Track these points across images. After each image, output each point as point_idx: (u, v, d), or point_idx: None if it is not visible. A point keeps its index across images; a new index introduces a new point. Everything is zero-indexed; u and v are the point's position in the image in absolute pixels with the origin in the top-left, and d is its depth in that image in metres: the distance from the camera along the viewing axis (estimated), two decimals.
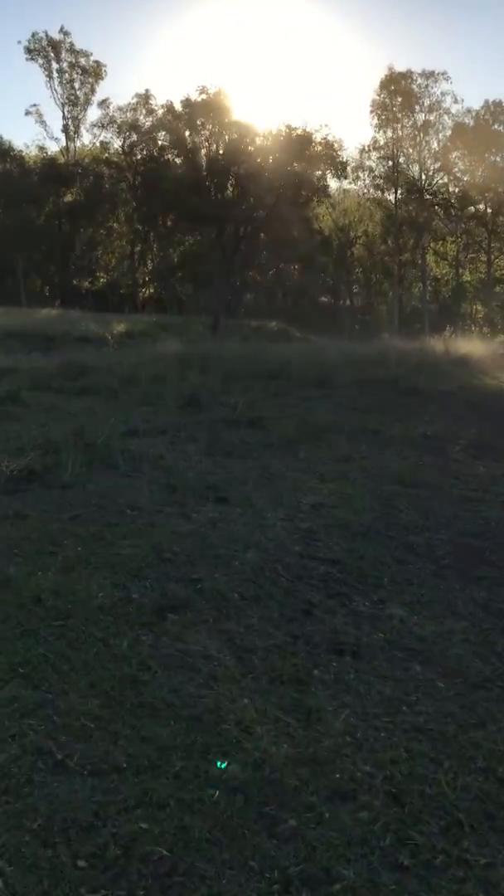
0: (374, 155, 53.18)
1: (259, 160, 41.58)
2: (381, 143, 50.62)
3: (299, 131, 37.38)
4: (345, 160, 40.83)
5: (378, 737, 2.88)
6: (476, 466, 7.94)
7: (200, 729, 2.86)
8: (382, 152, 52.31)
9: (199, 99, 46.27)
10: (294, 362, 15.58)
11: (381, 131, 52.55)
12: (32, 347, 21.56)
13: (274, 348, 19.79)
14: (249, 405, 10.32)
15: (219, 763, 2.64)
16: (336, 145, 38.75)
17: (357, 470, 7.51)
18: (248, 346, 19.94)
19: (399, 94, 49.60)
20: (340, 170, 39.98)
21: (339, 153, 39.26)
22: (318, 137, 37.77)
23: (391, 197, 54.99)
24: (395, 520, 5.83)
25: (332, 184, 41.14)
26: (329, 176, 38.87)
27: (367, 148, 52.81)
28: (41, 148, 58.58)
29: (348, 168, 44.29)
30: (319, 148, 37.98)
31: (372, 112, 49.10)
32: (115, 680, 3.22)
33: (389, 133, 51.36)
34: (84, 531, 5.14)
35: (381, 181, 54.09)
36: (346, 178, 42.64)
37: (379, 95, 49.11)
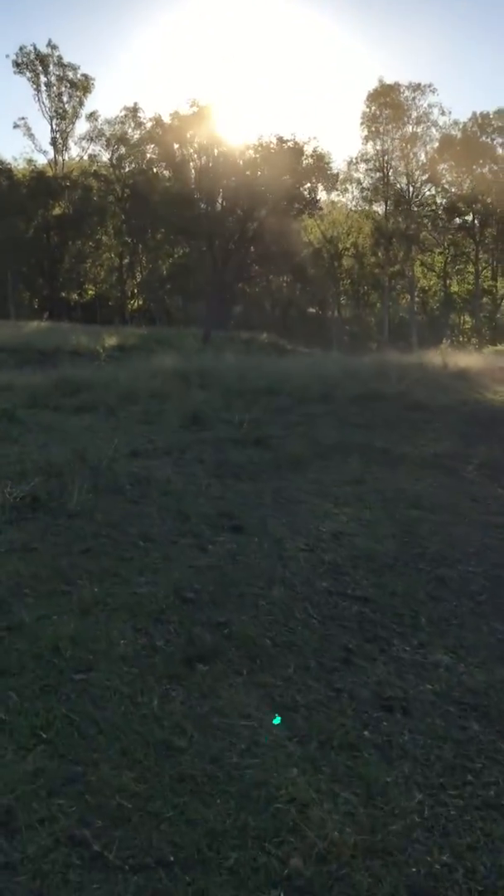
0: (363, 167, 53.40)
1: (248, 173, 41.47)
2: (371, 154, 50.76)
3: (290, 143, 37.29)
4: (336, 172, 40.87)
5: (449, 815, 2.59)
6: (493, 488, 7.70)
7: (251, 809, 2.56)
8: (371, 164, 52.50)
9: (188, 112, 46.19)
10: (293, 376, 15.31)
11: (368, 143, 52.77)
12: (24, 362, 21.21)
13: (270, 362, 19.55)
14: (254, 423, 10.05)
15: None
16: (326, 157, 38.82)
17: (371, 492, 7.24)
18: (244, 359, 19.66)
19: (389, 107, 49.77)
20: (332, 182, 39.95)
21: (329, 165, 39.27)
22: (308, 150, 37.77)
23: (379, 209, 55.17)
24: (421, 549, 5.55)
25: (322, 195, 41.10)
26: (321, 188, 38.80)
27: (355, 160, 53.03)
28: (29, 161, 58.48)
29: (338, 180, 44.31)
30: (310, 160, 37.93)
31: (362, 124, 49.25)
32: (148, 746, 2.91)
33: (378, 145, 51.57)
34: (96, 566, 4.82)
35: (369, 193, 54.25)
36: (336, 190, 42.68)
37: (369, 108, 49.27)
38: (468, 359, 19.55)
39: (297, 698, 3.34)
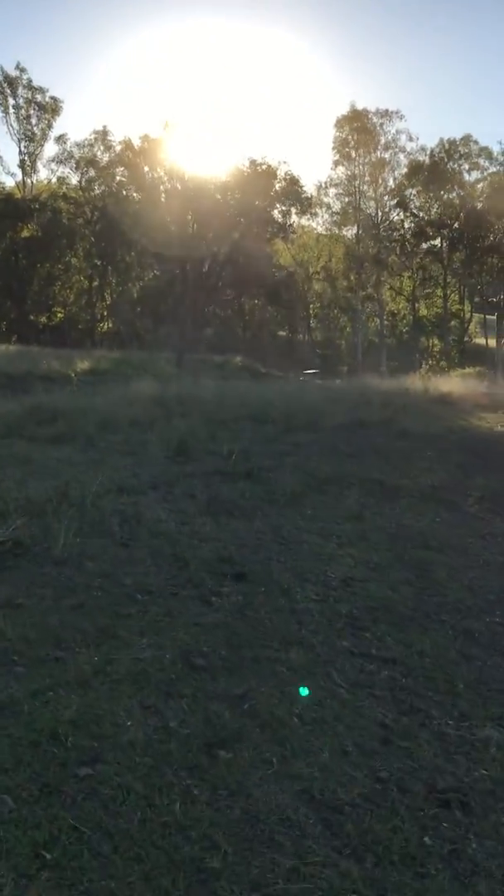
0: (332, 191, 53.73)
1: (219, 196, 41.39)
2: (343, 178, 51.06)
3: (264, 167, 37.26)
4: (309, 196, 40.87)
5: None
6: (499, 524, 7.36)
7: None
8: (341, 189, 52.84)
9: (158, 135, 46.11)
10: (275, 403, 14.92)
11: (338, 167, 53.14)
12: None
13: (249, 387, 19.17)
14: (241, 454, 9.62)
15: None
16: (299, 181, 38.82)
17: (374, 530, 6.84)
18: (221, 385, 19.26)
19: (359, 132, 50.18)
20: (305, 206, 39.90)
21: (303, 188, 39.28)
22: (281, 173, 37.76)
23: (349, 233, 55.52)
24: (440, 597, 5.15)
25: (294, 219, 40.94)
26: (294, 212, 38.71)
27: (324, 184, 53.36)
28: None
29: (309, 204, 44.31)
30: (283, 183, 37.91)
31: (334, 148, 49.57)
32: (176, 869, 2.44)
33: (349, 169, 51.92)
34: (91, 626, 4.33)
35: (339, 217, 54.58)
36: (309, 214, 42.70)
37: (341, 132, 49.63)
38: (449, 384, 19.39)
39: (339, 794, 2.89)
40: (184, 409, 13.70)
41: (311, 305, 58.66)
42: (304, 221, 50.63)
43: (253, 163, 37.01)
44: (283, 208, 38.12)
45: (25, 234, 54.01)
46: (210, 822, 2.68)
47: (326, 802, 2.84)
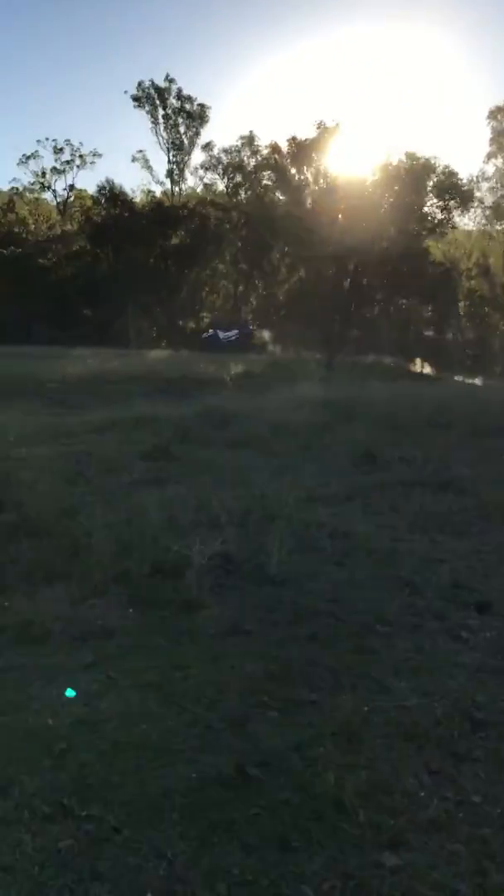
0: (485, 185, 51.12)
1: (369, 193, 40.41)
2: (498, 170, 48.56)
3: (422, 161, 35.95)
4: (469, 189, 38.96)
5: None
6: None
7: None
8: (495, 181, 50.21)
9: (306, 137, 45.68)
10: (448, 406, 14.07)
11: (489, 161, 50.53)
12: (153, 390, 20.85)
13: (413, 389, 18.34)
14: (433, 462, 8.94)
15: None
16: (458, 174, 37.03)
17: None
18: (385, 387, 18.52)
19: None
20: (466, 199, 38.08)
21: (462, 182, 37.52)
22: (440, 167, 36.19)
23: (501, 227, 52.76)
24: None
25: (454, 215, 38.87)
26: (454, 206, 36.96)
27: (476, 178, 50.85)
28: (147, 192, 59.73)
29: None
30: (441, 177, 36.44)
31: (492, 139, 47.23)
32: None
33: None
34: (336, 662, 3.84)
35: (491, 212, 51.95)
36: (467, 209, 40.69)
37: (498, 123, 47.19)
38: None
39: None
40: (353, 413, 13.11)
41: (462, 304, 56.29)
42: (456, 217, 48.60)
43: (410, 156, 35.73)
44: (441, 203, 36.48)
45: (175, 241, 55.26)
46: None
47: None
